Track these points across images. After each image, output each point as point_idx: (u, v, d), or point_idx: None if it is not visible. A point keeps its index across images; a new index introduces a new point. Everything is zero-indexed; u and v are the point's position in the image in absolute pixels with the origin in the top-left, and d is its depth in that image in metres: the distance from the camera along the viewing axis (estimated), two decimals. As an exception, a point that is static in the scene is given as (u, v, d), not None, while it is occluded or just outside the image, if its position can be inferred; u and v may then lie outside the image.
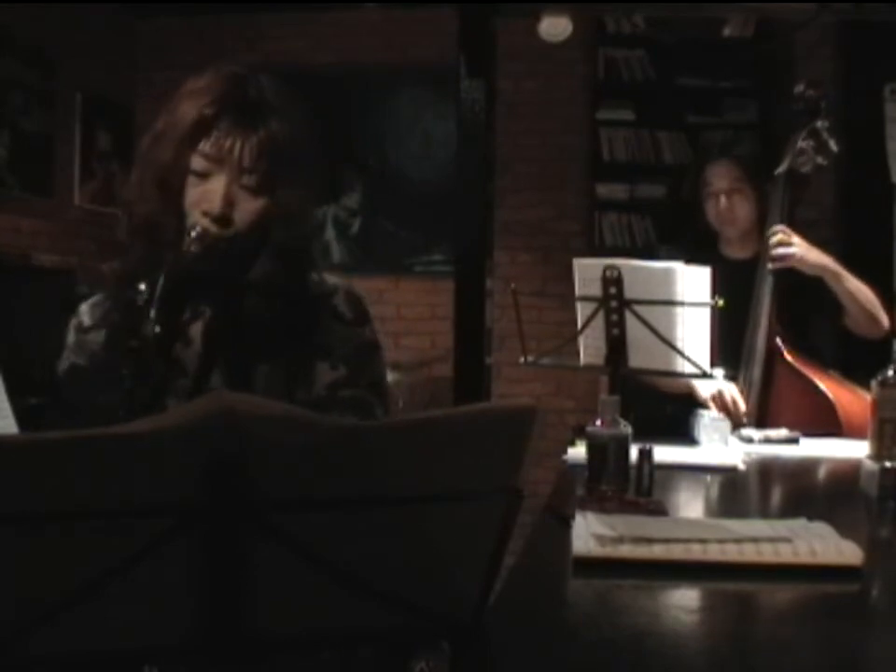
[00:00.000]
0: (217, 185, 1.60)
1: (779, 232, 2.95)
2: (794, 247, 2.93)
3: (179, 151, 1.61)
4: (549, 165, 5.69)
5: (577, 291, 2.60)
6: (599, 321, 2.53)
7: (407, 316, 5.73)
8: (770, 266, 2.96)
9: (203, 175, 1.62)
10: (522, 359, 2.73)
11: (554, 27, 4.96)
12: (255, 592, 0.96)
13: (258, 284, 1.66)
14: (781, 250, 2.93)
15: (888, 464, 2.01)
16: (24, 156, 4.89)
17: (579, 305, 2.60)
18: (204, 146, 1.61)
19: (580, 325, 2.60)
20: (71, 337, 1.74)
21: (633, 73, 5.58)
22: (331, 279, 1.77)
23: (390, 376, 4.85)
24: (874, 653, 1.21)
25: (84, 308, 1.75)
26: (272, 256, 1.66)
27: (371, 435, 0.97)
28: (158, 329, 1.47)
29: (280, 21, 5.75)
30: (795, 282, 2.99)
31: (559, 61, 5.56)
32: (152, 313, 1.47)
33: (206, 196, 1.61)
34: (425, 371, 5.33)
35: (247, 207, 1.62)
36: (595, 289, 2.51)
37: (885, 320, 3.01)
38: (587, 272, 2.55)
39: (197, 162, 1.61)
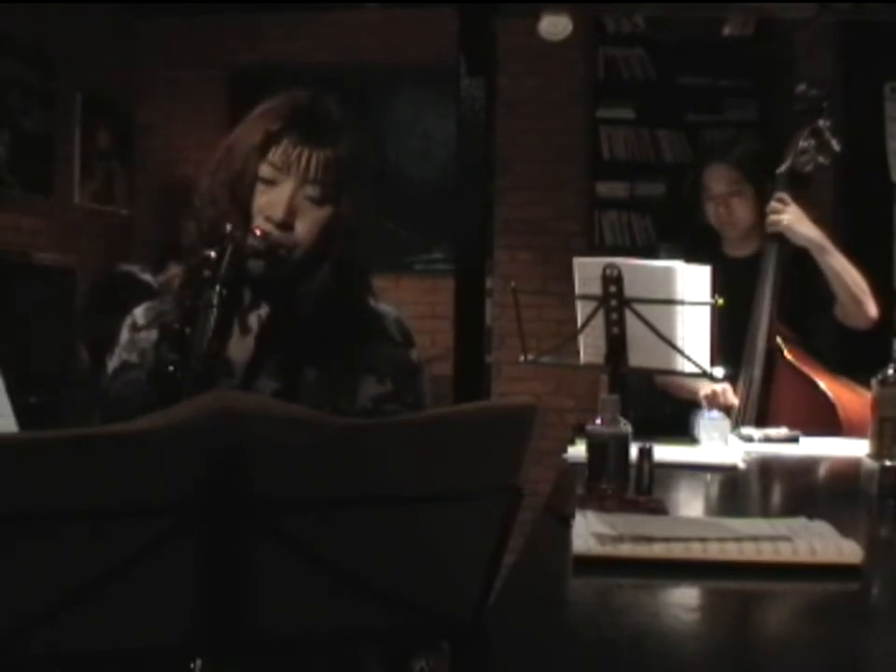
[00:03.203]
0: (283, 193, 1.67)
1: (777, 200, 2.96)
2: (785, 215, 2.94)
3: (249, 160, 1.68)
4: (549, 164, 5.69)
5: (577, 290, 2.60)
6: (599, 320, 2.53)
7: (407, 315, 5.65)
8: (767, 230, 2.99)
9: (270, 183, 1.68)
10: (522, 358, 2.73)
11: (554, 26, 4.95)
12: (255, 592, 0.96)
13: (315, 293, 1.70)
14: (773, 216, 2.95)
15: (888, 462, 2.01)
16: (24, 155, 4.88)
17: (579, 304, 2.61)
18: (273, 155, 1.68)
19: (579, 323, 2.60)
20: (124, 335, 1.79)
21: (633, 72, 5.58)
22: (383, 306, 1.84)
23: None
24: (874, 653, 1.21)
25: (139, 310, 1.81)
26: (331, 268, 1.70)
27: (371, 435, 0.97)
28: (217, 301, 1.52)
29: (280, 20, 5.75)
30: (794, 267, 3.00)
31: (559, 60, 5.55)
32: (215, 290, 1.53)
33: (271, 203, 1.67)
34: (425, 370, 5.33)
35: (310, 217, 1.68)
36: (595, 288, 2.51)
37: (872, 308, 3.00)
38: (587, 270, 2.55)
39: (265, 170, 1.68)
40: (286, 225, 1.66)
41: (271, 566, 0.96)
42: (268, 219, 1.66)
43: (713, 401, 2.89)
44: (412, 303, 5.72)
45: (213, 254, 1.57)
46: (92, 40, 5.44)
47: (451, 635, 1.10)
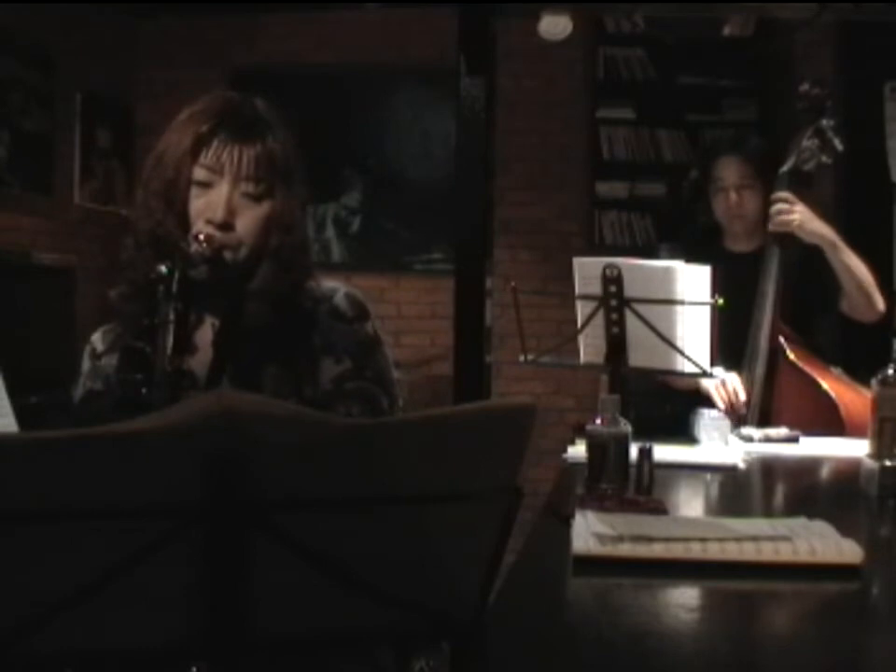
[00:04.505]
0: (219, 193, 1.67)
1: (783, 199, 2.95)
2: (796, 213, 2.94)
3: (181, 165, 1.68)
4: (549, 164, 5.69)
5: (577, 290, 2.60)
6: (599, 320, 2.53)
7: (407, 315, 5.72)
8: (771, 228, 2.97)
9: (205, 185, 1.68)
10: (522, 358, 2.73)
11: (554, 26, 4.95)
12: (255, 592, 0.96)
13: (258, 291, 1.71)
14: (784, 216, 2.94)
15: (888, 462, 2.01)
16: (24, 155, 4.88)
17: (579, 304, 2.60)
18: (204, 157, 1.68)
19: (580, 323, 2.60)
20: (86, 364, 1.80)
21: (633, 72, 5.58)
22: (329, 283, 1.82)
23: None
24: (874, 653, 1.21)
25: (96, 336, 1.81)
26: (271, 264, 1.71)
27: (371, 434, 0.97)
28: (173, 317, 1.52)
29: (280, 20, 5.74)
30: (797, 266, 2.99)
31: (559, 60, 5.55)
32: (171, 306, 1.52)
33: (209, 205, 1.67)
34: (425, 370, 5.33)
35: (249, 214, 1.69)
36: (595, 288, 2.51)
37: (880, 303, 3.01)
38: (587, 270, 2.55)
39: (198, 173, 1.68)
40: (226, 225, 1.66)
41: (271, 566, 0.96)
42: (208, 222, 1.66)
43: (722, 391, 2.89)
44: (412, 303, 5.73)
45: (164, 270, 1.55)
46: (92, 40, 5.44)
47: (451, 635, 1.10)
